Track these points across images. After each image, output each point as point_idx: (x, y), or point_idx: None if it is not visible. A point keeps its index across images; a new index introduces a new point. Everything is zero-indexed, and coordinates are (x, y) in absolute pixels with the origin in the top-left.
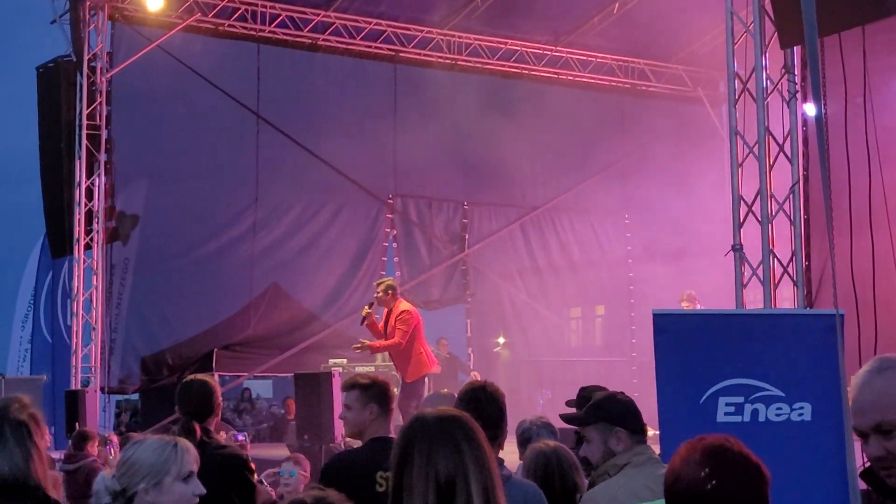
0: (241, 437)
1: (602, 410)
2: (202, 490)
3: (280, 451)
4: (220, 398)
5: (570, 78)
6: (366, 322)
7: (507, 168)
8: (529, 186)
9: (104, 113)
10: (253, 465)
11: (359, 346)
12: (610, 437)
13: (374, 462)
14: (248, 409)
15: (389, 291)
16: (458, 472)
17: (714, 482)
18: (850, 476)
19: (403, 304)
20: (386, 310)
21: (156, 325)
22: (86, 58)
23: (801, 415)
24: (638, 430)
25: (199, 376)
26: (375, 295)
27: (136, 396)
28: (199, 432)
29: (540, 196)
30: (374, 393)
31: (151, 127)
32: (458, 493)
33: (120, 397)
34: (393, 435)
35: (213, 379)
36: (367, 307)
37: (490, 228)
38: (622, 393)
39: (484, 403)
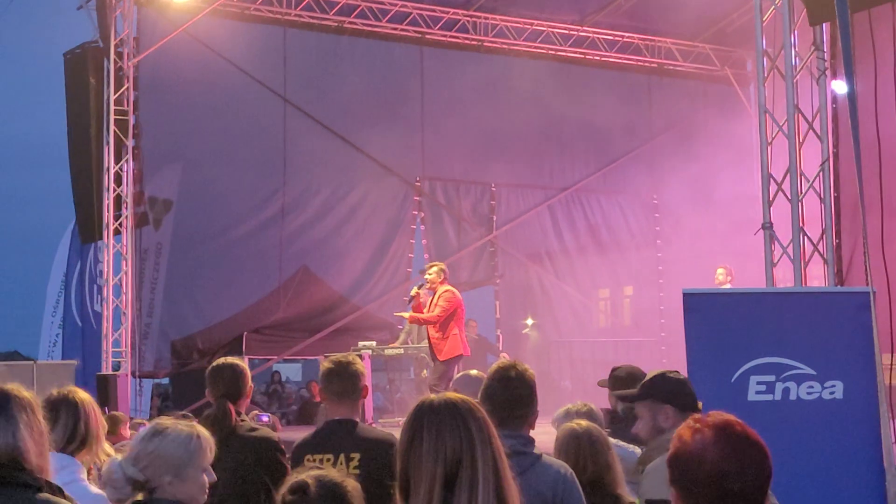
0: (265, 418)
1: (652, 388)
2: (214, 477)
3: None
4: (250, 381)
5: (596, 58)
6: (412, 303)
7: (535, 149)
8: (557, 168)
9: (132, 98)
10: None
11: (401, 312)
12: (658, 414)
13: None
14: (278, 393)
15: (442, 274)
16: (466, 450)
17: (716, 458)
18: (886, 452)
19: (448, 286)
20: (434, 293)
21: (187, 309)
22: (112, 43)
23: (832, 393)
24: (687, 407)
25: (230, 359)
26: (426, 276)
27: (167, 380)
28: (234, 416)
29: (568, 177)
30: None
31: (179, 112)
32: (464, 470)
33: (156, 381)
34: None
35: (244, 361)
36: (416, 288)
37: (518, 210)
38: (675, 371)
39: (515, 381)
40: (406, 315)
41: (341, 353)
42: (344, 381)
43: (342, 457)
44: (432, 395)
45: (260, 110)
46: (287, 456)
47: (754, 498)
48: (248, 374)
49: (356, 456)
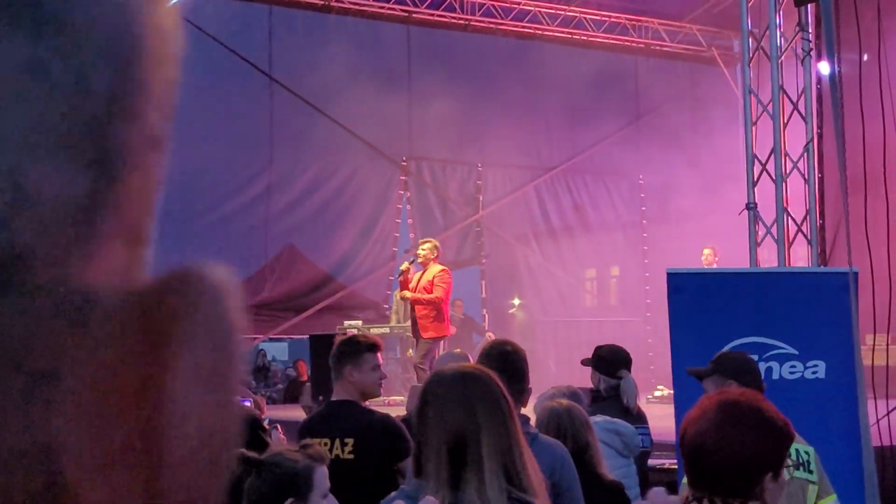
0: (248, 403)
1: (719, 364)
2: None
3: (295, 412)
4: None
5: (583, 38)
6: (401, 277)
7: (522, 130)
8: (544, 148)
9: None
10: (267, 426)
11: (405, 295)
12: (722, 390)
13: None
14: (265, 372)
15: (435, 251)
16: (470, 430)
17: (718, 434)
18: (864, 432)
19: (441, 265)
20: (423, 269)
21: None
22: None
23: (814, 373)
24: (751, 385)
25: None
26: (419, 252)
27: None
28: None
29: (554, 157)
30: None
31: None
32: (470, 452)
33: None
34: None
35: None
36: (407, 263)
37: (505, 190)
38: (742, 352)
39: (511, 356)
40: (408, 295)
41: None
42: (340, 358)
43: (337, 441)
44: (446, 369)
45: (246, 88)
46: (269, 434)
47: (733, 475)
48: None
49: (350, 441)
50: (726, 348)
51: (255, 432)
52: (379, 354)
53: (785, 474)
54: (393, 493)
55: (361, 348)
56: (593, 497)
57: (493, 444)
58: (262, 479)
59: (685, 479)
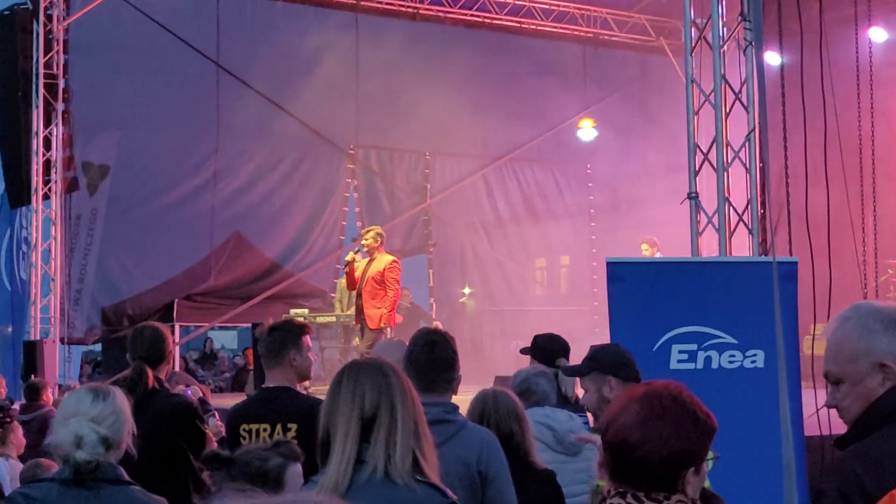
0: (189, 393)
1: (595, 361)
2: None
3: (240, 399)
4: (172, 346)
5: (532, 27)
6: (347, 267)
7: (470, 118)
8: (492, 137)
9: (62, 62)
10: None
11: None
12: (603, 386)
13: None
14: (210, 360)
15: (379, 239)
16: (384, 399)
17: (641, 427)
18: (783, 420)
19: (390, 256)
20: (368, 258)
21: (118, 275)
22: (42, 5)
23: (753, 362)
24: (630, 377)
25: (152, 323)
26: (363, 241)
27: (100, 347)
28: (150, 379)
29: (503, 146)
30: None
31: (110, 76)
32: (381, 416)
33: (86, 349)
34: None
35: (166, 327)
36: (353, 252)
37: (453, 178)
38: (616, 345)
39: (439, 345)
40: (384, 313)
41: (283, 317)
42: (276, 344)
43: (279, 427)
44: (360, 358)
45: (193, 75)
46: (205, 423)
47: (657, 470)
48: (170, 338)
49: (293, 426)
50: (665, 337)
51: (191, 422)
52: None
53: (706, 468)
54: (306, 486)
55: (302, 331)
56: (523, 485)
57: (404, 415)
58: (231, 478)
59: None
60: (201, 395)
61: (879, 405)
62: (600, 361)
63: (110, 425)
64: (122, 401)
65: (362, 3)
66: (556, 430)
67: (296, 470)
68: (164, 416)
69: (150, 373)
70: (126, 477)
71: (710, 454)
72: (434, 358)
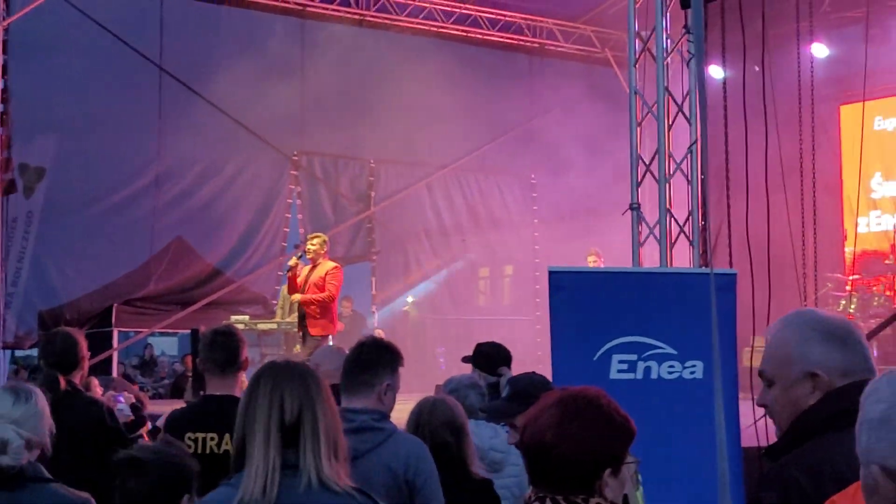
0: (121, 399)
1: (523, 395)
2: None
3: (179, 406)
4: (86, 351)
5: (479, 36)
6: (289, 273)
7: (415, 126)
8: (437, 145)
9: (0, 63)
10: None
11: (295, 298)
12: None
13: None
14: (150, 366)
15: (325, 246)
16: (306, 402)
17: (557, 430)
18: (718, 429)
19: (332, 262)
20: (311, 264)
21: (55, 279)
22: None
23: (692, 373)
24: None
25: (65, 329)
26: (308, 248)
27: (35, 353)
28: (63, 384)
29: (447, 155)
30: None
31: (51, 78)
32: (305, 419)
33: (19, 354)
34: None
35: (80, 332)
36: (295, 258)
37: (396, 187)
38: (533, 373)
39: (367, 347)
40: (298, 298)
41: (224, 323)
42: (225, 352)
43: (227, 436)
44: (277, 359)
45: (135, 79)
46: (117, 421)
47: (574, 472)
48: (83, 344)
49: None
50: (605, 347)
51: (100, 419)
52: None
53: (626, 471)
54: (218, 489)
55: (245, 342)
56: (459, 495)
57: (325, 419)
58: (146, 479)
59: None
60: (134, 400)
61: (812, 415)
62: (534, 396)
63: (32, 427)
64: (43, 401)
65: (308, 9)
66: (479, 446)
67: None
68: (77, 419)
69: (62, 380)
70: (47, 474)
71: (631, 458)
72: (359, 359)
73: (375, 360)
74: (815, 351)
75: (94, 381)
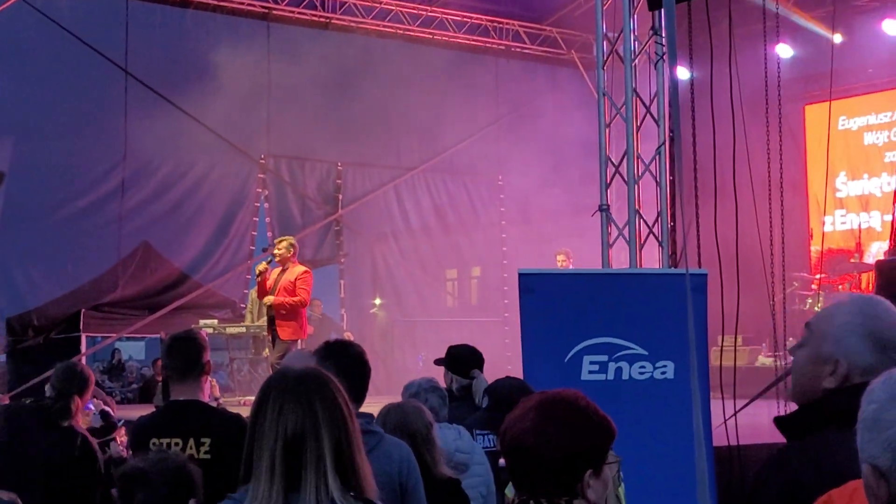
0: (90, 407)
1: (502, 403)
2: None
3: (147, 411)
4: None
5: (445, 39)
6: (259, 277)
7: (382, 129)
8: (404, 147)
9: None
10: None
11: (267, 301)
12: None
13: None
14: (118, 371)
15: (292, 249)
16: (309, 428)
17: (537, 432)
18: (696, 430)
19: (302, 265)
20: (280, 268)
21: (22, 285)
22: None
23: (663, 373)
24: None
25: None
26: (276, 251)
27: (2, 359)
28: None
29: (415, 157)
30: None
31: (14, 82)
32: (308, 450)
33: None
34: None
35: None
36: (265, 263)
37: (364, 189)
38: (509, 377)
39: (342, 358)
40: (270, 301)
41: (185, 329)
42: (186, 357)
43: (192, 441)
44: (288, 368)
45: (100, 83)
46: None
47: (555, 473)
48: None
49: (207, 440)
50: (577, 348)
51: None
52: None
53: (608, 472)
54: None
55: (206, 345)
56: (427, 496)
57: (331, 441)
58: (153, 488)
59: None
60: (104, 407)
61: (820, 406)
62: (515, 402)
63: None
64: None
65: (274, 11)
66: (444, 448)
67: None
68: None
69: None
70: None
71: (612, 458)
72: (338, 371)
73: (353, 367)
74: (850, 342)
75: None
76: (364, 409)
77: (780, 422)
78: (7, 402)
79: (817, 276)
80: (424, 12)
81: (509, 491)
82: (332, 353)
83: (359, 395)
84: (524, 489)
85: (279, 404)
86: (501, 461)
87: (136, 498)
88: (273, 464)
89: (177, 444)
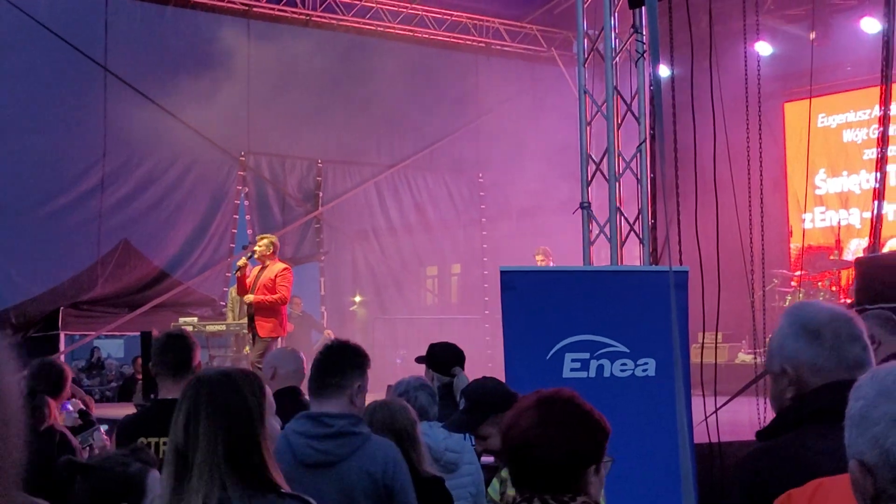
0: (69, 406)
1: (485, 405)
2: None
3: (127, 409)
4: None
5: (425, 36)
6: (238, 273)
7: (362, 126)
8: (385, 145)
9: None
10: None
11: (248, 299)
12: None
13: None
14: (98, 369)
15: (272, 247)
16: (247, 422)
17: (539, 431)
18: (680, 428)
19: (283, 263)
20: (260, 265)
21: (0, 282)
22: None
23: (645, 370)
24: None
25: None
26: (255, 248)
27: None
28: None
29: (395, 154)
30: None
31: None
32: (247, 442)
33: None
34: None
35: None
36: (244, 259)
37: (345, 187)
38: (486, 378)
39: (334, 350)
40: (251, 299)
41: (175, 327)
42: (180, 355)
43: None
44: (208, 370)
45: (79, 80)
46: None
47: (557, 471)
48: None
49: None
50: (558, 346)
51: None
52: None
53: (604, 469)
54: None
55: (197, 346)
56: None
57: (264, 441)
58: (89, 485)
59: (494, 481)
60: (81, 407)
61: (787, 413)
62: (491, 403)
63: None
64: None
65: (254, 9)
66: (434, 447)
67: (155, 476)
68: None
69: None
70: None
71: (607, 457)
72: (326, 363)
73: (343, 363)
74: (789, 346)
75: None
76: None
77: (760, 435)
78: None
79: (797, 273)
80: (404, 9)
81: (492, 490)
82: (324, 349)
83: (337, 391)
84: (526, 487)
85: (180, 409)
86: (483, 459)
87: (76, 485)
88: (213, 465)
89: (164, 443)
